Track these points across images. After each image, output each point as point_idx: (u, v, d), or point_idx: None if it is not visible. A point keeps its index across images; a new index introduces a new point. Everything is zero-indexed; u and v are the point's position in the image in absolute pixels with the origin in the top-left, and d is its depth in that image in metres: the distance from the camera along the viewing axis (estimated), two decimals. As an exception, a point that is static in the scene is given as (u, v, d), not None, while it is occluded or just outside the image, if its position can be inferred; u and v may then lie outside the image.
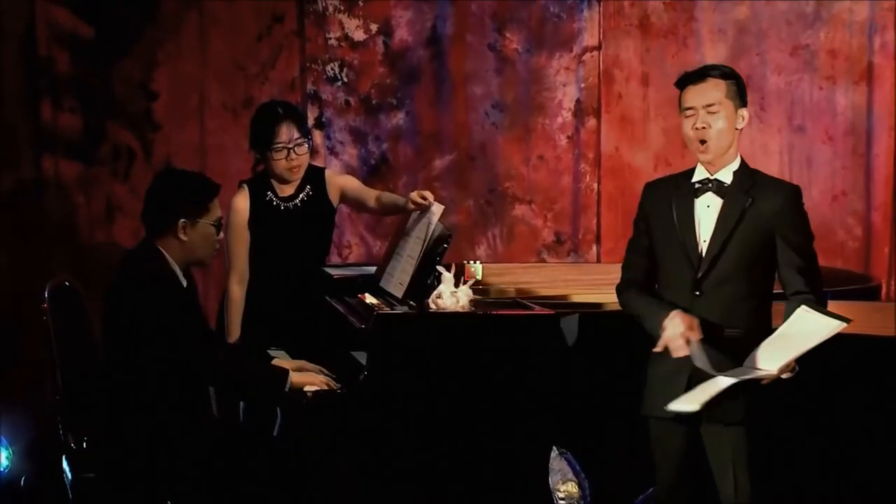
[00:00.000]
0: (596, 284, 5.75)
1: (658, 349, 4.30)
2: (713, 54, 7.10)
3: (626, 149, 7.22)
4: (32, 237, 6.85)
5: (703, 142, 4.36)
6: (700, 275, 4.34)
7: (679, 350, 4.23)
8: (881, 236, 7.20)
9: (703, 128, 4.35)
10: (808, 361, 4.73)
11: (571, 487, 4.90)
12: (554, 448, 4.89)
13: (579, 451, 4.94)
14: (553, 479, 4.88)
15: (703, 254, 4.35)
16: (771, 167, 7.17)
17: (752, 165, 7.31)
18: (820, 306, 4.28)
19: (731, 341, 4.30)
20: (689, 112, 4.37)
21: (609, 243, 7.20)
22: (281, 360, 5.00)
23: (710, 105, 4.35)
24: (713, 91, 4.36)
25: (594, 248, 7.23)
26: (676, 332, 4.23)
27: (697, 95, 4.36)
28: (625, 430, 4.82)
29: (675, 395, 4.28)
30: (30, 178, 6.88)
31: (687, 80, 4.40)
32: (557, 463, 4.90)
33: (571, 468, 4.91)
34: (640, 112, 7.21)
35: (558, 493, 4.89)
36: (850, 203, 7.21)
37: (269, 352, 5.19)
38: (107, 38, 6.87)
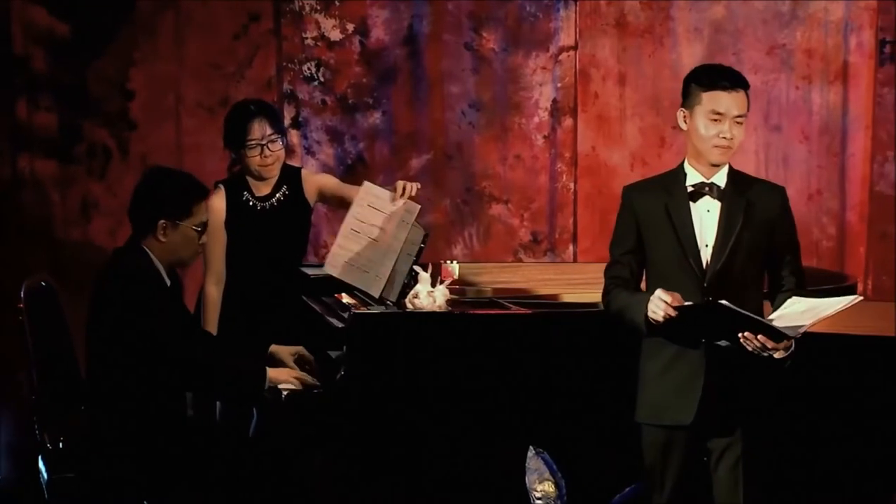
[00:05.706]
0: (572, 284, 5.76)
1: (659, 318, 4.17)
2: (689, 53, 7.12)
3: (602, 148, 7.23)
4: (8, 236, 6.82)
5: (719, 148, 4.32)
6: (706, 280, 4.29)
7: (658, 311, 4.16)
8: (856, 236, 7.23)
9: (731, 138, 4.30)
10: (803, 361, 4.73)
11: (548, 486, 4.90)
12: (530, 447, 4.90)
13: (556, 450, 4.95)
14: (530, 479, 4.88)
15: (708, 259, 4.31)
16: (747, 166, 7.17)
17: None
18: None
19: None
20: (715, 117, 4.29)
21: (585, 242, 7.21)
22: (279, 347, 5.00)
23: (739, 116, 4.30)
24: (744, 102, 4.31)
25: (570, 247, 7.24)
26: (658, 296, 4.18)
27: (732, 104, 4.29)
28: (602, 428, 4.83)
29: (690, 404, 4.27)
30: (6, 177, 6.85)
31: (720, 82, 4.30)
32: (534, 462, 4.90)
33: (548, 467, 4.91)
34: (616, 111, 7.22)
35: (535, 492, 4.89)
36: (825, 202, 7.23)
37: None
38: (83, 36, 6.85)
